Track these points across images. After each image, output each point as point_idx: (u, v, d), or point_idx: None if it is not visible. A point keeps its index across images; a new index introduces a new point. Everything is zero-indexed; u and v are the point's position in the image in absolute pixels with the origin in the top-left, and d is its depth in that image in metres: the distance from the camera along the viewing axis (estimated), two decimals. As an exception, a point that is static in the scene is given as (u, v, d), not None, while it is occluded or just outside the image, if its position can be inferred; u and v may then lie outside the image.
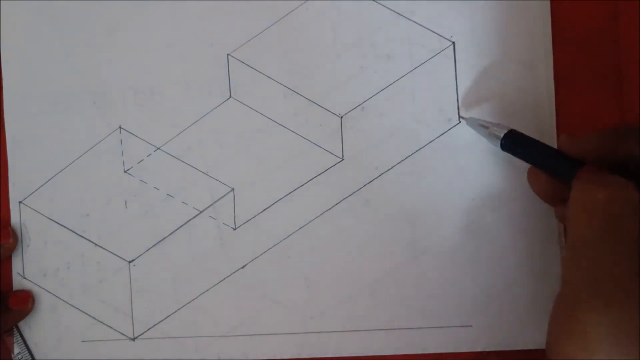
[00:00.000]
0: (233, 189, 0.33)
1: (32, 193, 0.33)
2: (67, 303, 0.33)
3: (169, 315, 0.33)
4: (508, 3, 0.33)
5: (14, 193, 0.33)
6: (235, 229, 0.32)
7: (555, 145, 0.30)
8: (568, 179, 0.26)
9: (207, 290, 0.32)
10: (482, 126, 0.30)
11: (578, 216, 0.24)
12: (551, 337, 0.24)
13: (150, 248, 0.33)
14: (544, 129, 0.32)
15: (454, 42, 0.33)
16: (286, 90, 0.33)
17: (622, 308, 0.22)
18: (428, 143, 0.33)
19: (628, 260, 0.22)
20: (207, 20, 0.33)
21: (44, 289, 0.33)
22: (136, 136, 0.33)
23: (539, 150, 0.28)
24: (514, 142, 0.29)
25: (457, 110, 0.33)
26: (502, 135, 0.29)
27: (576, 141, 0.27)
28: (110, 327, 0.33)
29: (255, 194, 0.33)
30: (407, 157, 0.33)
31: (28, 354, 0.33)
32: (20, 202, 0.33)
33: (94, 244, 0.33)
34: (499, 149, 0.29)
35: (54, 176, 0.33)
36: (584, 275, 0.23)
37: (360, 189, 0.33)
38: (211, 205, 0.33)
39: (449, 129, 0.33)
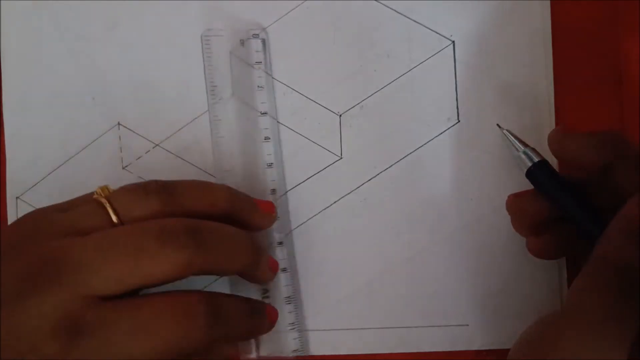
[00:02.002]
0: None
1: (30, 189, 0.33)
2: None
3: (166, 312, 0.33)
4: (508, 2, 0.33)
5: (12, 188, 0.33)
6: (233, 227, 0.32)
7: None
8: (586, 237, 0.26)
9: (205, 287, 0.32)
10: (513, 145, 0.29)
11: (587, 289, 0.23)
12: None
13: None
14: (543, 129, 0.32)
15: (453, 41, 0.33)
16: (285, 88, 0.33)
17: None
18: (427, 142, 0.33)
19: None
20: (207, 18, 0.33)
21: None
22: (135, 133, 0.33)
23: (565, 193, 0.27)
24: (541, 174, 0.28)
25: (456, 110, 0.33)
26: (530, 163, 0.28)
27: (567, 139, 0.27)
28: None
29: (253, 191, 0.33)
30: (405, 156, 0.33)
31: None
32: (17, 197, 0.33)
33: (92, 240, 0.33)
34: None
35: (52, 172, 0.33)
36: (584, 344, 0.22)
37: (358, 187, 0.33)
38: (209, 202, 0.33)
39: (448, 128, 0.33)
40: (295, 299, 0.32)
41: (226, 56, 0.32)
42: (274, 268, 0.30)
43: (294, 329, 0.32)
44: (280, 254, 0.32)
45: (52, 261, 0.23)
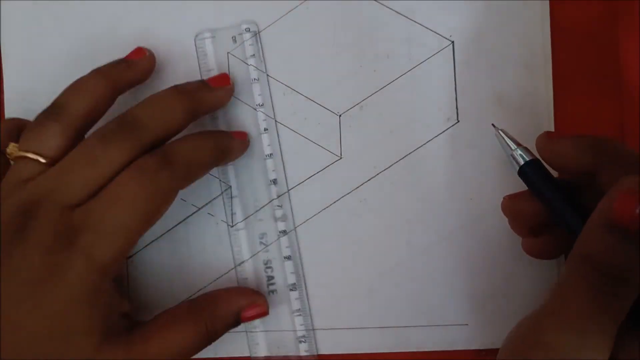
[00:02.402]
0: (231, 187, 0.33)
1: (30, 188, 0.33)
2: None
3: (166, 312, 0.33)
4: (507, 3, 0.33)
5: (12, 188, 0.33)
6: (232, 226, 0.33)
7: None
8: (571, 232, 0.26)
9: (205, 287, 0.32)
10: (507, 144, 0.29)
11: (572, 283, 0.23)
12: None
13: (148, 244, 0.33)
14: (541, 130, 0.32)
15: (453, 42, 0.33)
16: (285, 88, 0.33)
17: None
18: (426, 142, 0.33)
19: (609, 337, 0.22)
20: (207, 19, 0.33)
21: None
22: (135, 133, 0.33)
23: (554, 191, 0.27)
24: (532, 173, 0.28)
25: (455, 110, 0.33)
26: (523, 161, 0.28)
27: (552, 142, 0.27)
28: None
29: (253, 191, 0.33)
30: (405, 156, 0.33)
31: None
32: (18, 197, 0.33)
33: (92, 239, 0.33)
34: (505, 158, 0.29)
35: (52, 172, 0.33)
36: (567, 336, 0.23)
37: (358, 187, 0.33)
38: (209, 202, 0.33)
39: (448, 128, 0.33)
40: (299, 286, 0.32)
41: (221, 55, 0.33)
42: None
43: (300, 315, 0.32)
44: (284, 243, 0.32)
45: (30, 203, 0.26)
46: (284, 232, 0.32)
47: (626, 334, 0.23)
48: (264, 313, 0.31)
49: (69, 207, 0.26)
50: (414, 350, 0.32)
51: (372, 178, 0.33)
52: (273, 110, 0.33)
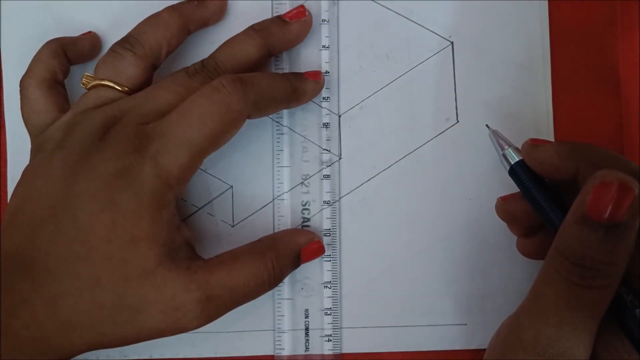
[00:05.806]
0: (232, 187, 0.33)
1: (30, 188, 0.33)
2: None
3: (166, 312, 0.33)
4: (506, 3, 0.33)
5: (12, 188, 0.33)
6: (233, 226, 0.33)
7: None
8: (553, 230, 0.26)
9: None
10: (498, 145, 0.29)
11: (548, 279, 0.23)
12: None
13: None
14: (541, 130, 0.33)
15: (452, 42, 0.33)
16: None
17: None
18: (426, 142, 0.33)
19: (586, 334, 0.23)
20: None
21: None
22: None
23: (539, 192, 0.27)
24: (520, 173, 0.28)
25: (455, 110, 0.33)
26: (513, 162, 0.28)
27: (535, 148, 0.27)
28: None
29: (253, 191, 0.33)
30: (404, 156, 0.33)
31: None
32: (18, 197, 0.33)
33: (92, 239, 0.33)
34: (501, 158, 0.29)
35: (52, 172, 0.33)
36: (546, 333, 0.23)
37: (357, 187, 0.33)
38: (209, 202, 0.33)
39: (447, 129, 0.33)
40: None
41: None
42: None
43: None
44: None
45: (112, 118, 0.28)
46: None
47: (608, 333, 0.23)
48: (322, 249, 0.31)
49: (145, 122, 0.27)
50: (413, 350, 0.32)
51: (371, 178, 0.33)
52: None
